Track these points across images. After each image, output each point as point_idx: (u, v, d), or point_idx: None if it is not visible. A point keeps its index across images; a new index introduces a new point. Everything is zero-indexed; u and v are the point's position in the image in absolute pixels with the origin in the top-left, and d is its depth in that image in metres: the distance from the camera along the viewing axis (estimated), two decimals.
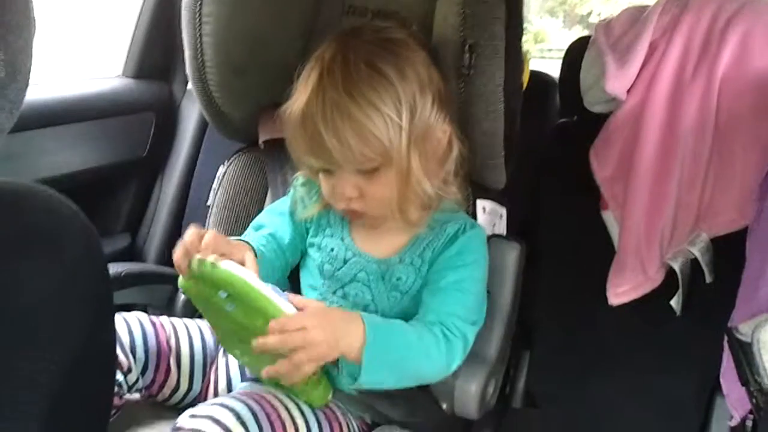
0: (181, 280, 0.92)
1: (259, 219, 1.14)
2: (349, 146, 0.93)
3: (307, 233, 1.11)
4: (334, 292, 1.07)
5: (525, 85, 1.22)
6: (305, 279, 1.11)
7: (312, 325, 0.85)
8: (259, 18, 1.22)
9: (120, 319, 1.04)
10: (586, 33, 1.72)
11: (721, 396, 1.27)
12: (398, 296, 1.05)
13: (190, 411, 0.88)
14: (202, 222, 1.35)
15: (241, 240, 1.01)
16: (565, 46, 1.66)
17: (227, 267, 0.87)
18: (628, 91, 1.43)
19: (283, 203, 1.14)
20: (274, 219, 1.12)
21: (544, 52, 5.35)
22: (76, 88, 1.55)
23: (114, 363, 0.90)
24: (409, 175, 0.96)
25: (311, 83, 0.96)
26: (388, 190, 0.97)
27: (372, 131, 0.92)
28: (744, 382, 0.97)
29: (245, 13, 1.21)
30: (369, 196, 0.98)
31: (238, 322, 0.89)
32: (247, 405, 0.88)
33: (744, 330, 0.97)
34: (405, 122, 0.93)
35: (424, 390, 1.09)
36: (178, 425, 0.86)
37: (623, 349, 1.48)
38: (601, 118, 1.51)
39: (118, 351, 1.00)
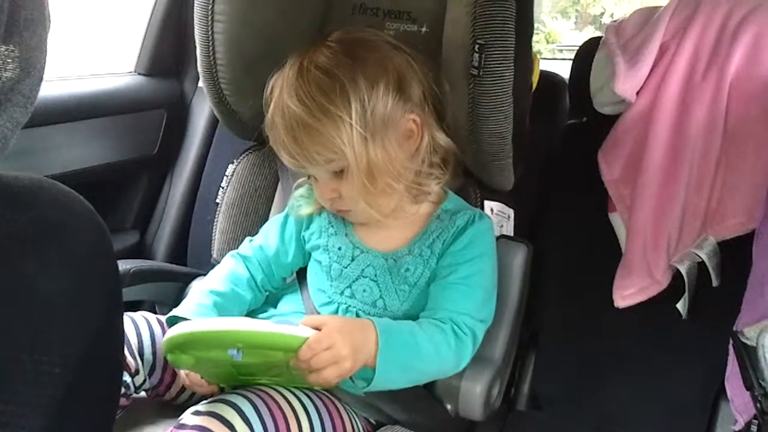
0: (171, 357, 0.91)
1: (258, 235, 1.18)
2: (308, 150, 0.98)
3: (306, 241, 1.13)
4: (342, 293, 1.08)
5: (535, 85, 1.22)
6: (313, 283, 1.12)
7: (337, 341, 0.87)
8: (270, 17, 1.22)
9: (128, 320, 1.05)
10: (598, 34, 1.71)
11: (726, 400, 1.27)
12: (407, 289, 1.06)
13: (193, 408, 0.88)
14: (211, 220, 1.35)
15: None
16: (577, 44, 1.66)
17: (222, 326, 0.88)
18: (638, 92, 1.43)
19: (281, 215, 1.18)
20: (269, 228, 1.17)
21: (555, 53, 5.33)
22: (89, 85, 1.55)
23: (121, 361, 0.90)
24: (370, 169, 0.98)
25: (274, 96, 1.02)
26: (357, 188, 1.00)
27: (323, 133, 0.96)
28: (749, 387, 0.97)
29: (257, 12, 1.21)
30: (345, 196, 1.02)
31: (251, 365, 0.91)
32: (250, 401, 0.89)
33: (749, 334, 0.97)
34: (356, 119, 0.96)
35: (428, 391, 1.09)
36: (181, 422, 0.87)
37: (629, 352, 1.48)
38: (611, 120, 1.50)
39: (126, 353, 1.01)
